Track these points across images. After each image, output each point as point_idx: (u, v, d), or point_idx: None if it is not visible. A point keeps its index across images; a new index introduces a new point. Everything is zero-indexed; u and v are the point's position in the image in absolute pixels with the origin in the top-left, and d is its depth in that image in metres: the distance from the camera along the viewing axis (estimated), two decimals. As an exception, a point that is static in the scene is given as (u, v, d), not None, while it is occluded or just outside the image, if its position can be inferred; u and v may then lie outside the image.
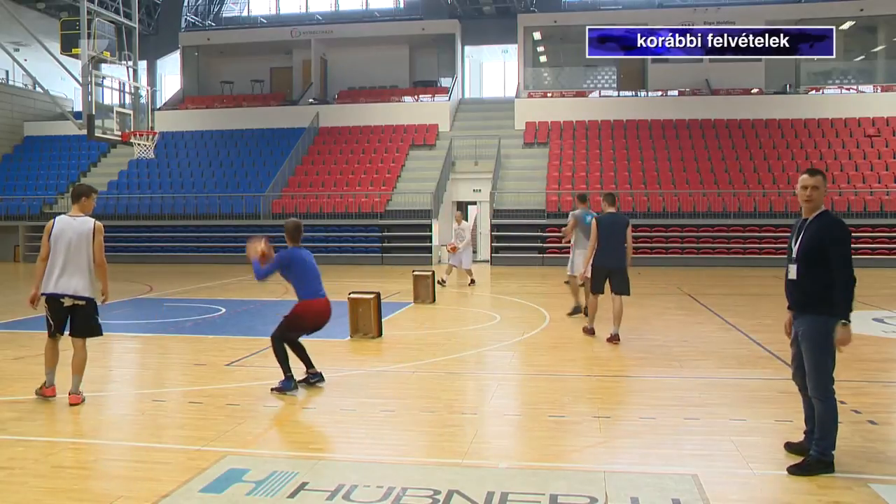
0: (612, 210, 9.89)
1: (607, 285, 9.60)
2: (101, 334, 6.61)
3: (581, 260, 11.03)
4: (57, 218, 6.53)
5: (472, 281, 17.35)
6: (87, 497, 4.43)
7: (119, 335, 10.30)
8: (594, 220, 10.02)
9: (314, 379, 7.12)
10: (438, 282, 16.64)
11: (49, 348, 6.53)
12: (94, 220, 6.49)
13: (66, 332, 6.47)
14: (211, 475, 4.69)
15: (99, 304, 6.56)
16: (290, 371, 6.86)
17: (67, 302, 6.33)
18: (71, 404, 6.37)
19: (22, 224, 27.55)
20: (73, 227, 6.41)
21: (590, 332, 10.02)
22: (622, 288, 9.52)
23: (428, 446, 5.53)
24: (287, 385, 6.82)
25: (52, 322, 6.41)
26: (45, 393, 6.54)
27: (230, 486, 4.52)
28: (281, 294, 16.00)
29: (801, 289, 4.84)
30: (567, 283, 12.67)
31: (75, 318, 6.41)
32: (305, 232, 7.31)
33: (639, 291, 15.77)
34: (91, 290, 6.43)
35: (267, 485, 4.53)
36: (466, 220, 20.81)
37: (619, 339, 9.41)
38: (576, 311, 11.93)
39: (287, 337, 7.02)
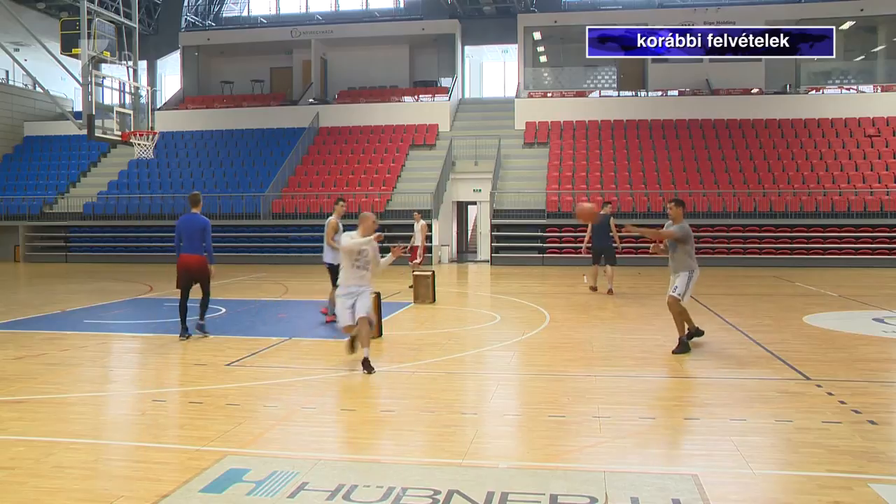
0: (603, 212, 14.78)
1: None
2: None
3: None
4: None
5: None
6: (87, 497, 4.43)
7: (119, 335, 10.30)
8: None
9: (186, 334, 9.70)
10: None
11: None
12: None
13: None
14: (211, 475, 4.69)
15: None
16: (185, 324, 9.70)
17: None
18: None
19: (22, 224, 27.55)
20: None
21: (593, 289, 15.24)
22: (612, 260, 15.24)
23: (428, 446, 5.53)
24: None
25: None
26: (329, 317, 10.35)
27: (230, 486, 4.52)
28: (280, 294, 16.01)
29: None
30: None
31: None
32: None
33: (639, 291, 15.81)
34: None
35: (267, 485, 4.53)
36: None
37: (612, 292, 14.89)
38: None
39: (182, 294, 9.71)
